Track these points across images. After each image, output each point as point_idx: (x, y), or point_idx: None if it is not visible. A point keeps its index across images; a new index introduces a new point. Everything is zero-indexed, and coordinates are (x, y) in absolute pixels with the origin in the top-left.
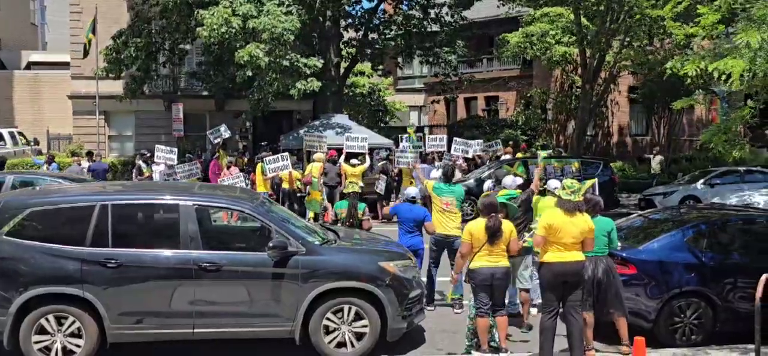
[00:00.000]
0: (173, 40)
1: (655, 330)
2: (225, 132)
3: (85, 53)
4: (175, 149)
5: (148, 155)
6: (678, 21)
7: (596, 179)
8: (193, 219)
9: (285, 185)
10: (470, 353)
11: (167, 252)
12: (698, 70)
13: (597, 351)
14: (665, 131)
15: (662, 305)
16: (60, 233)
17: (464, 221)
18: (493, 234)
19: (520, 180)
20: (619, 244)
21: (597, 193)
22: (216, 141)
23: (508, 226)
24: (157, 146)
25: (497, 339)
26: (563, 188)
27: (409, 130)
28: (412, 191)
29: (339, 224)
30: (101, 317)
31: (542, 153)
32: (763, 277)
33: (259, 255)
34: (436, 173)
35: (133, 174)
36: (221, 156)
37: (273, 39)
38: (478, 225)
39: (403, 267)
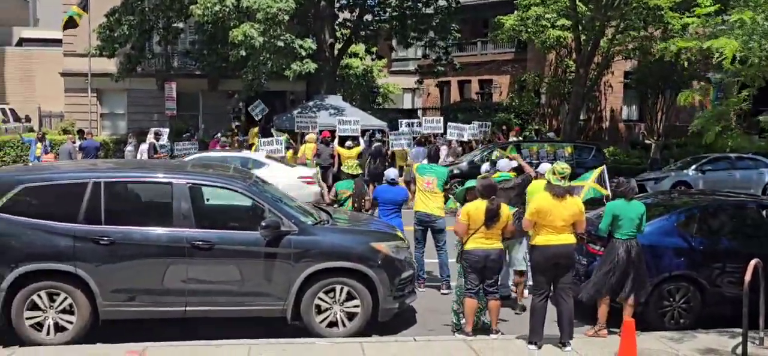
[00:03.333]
0: (167, 18)
1: (645, 313)
2: (262, 110)
3: (67, 26)
4: (167, 129)
5: (157, 133)
6: (676, 12)
7: (604, 167)
8: (186, 198)
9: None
10: (457, 333)
11: (160, 230)
12: (690, 50)
13: (610, 332)
14: (658, 117)
15: (652, 289)
16: (52, 209)
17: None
18: (492, 218)
19: (514, 163)
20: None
21: (606, 180)
22: (259, 118)
23: (504, 209)
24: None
25: (486, 321)
26: (553, 173)
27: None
28: (391, 172)
29: (337, 205)
30: (93, 294)
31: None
32: (752, 262)
33: (252, 234)
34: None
35: (146, 153)
36: (253, 134)
37: (268, 19)
38: (477, 207)
39: (395, 247)
